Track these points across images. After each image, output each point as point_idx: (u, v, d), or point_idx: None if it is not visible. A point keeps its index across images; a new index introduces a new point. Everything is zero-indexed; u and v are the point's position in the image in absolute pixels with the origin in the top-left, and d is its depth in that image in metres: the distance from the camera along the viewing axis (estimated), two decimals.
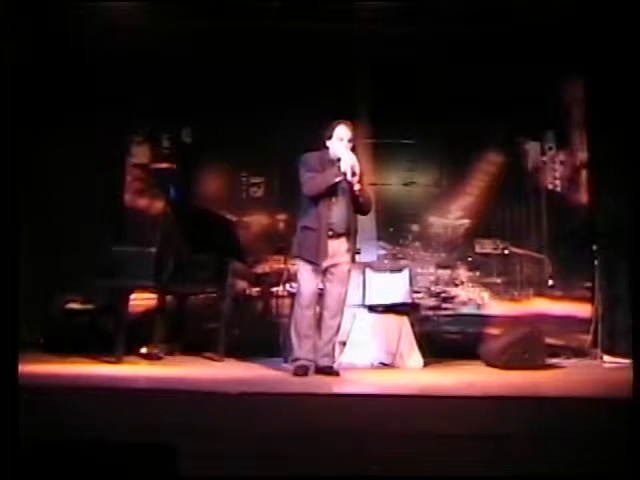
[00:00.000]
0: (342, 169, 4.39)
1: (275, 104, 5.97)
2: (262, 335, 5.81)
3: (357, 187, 4.44)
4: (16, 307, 2.61)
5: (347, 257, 4.55)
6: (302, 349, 4.46)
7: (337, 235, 4.50)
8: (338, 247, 4.52)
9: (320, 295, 4.63)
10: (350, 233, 4.54)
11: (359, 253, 6.10)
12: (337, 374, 4.47)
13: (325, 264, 4.49)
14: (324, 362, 4.49)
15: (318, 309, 4.64)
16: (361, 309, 5.39)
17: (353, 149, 4.53)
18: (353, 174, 4.40)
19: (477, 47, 6.07)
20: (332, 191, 4.47)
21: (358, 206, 4.55)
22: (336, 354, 4.76)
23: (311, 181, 4.50)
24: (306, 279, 4.52)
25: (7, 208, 2.63)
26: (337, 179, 4.42)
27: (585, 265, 6.04)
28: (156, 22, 6.01)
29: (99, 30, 5.91)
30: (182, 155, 6.38)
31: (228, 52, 6.11)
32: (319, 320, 4.59)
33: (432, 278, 6.40)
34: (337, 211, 4.49)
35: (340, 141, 4.49)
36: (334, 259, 4.51)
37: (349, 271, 4.60)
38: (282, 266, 5.99)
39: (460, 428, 2.99)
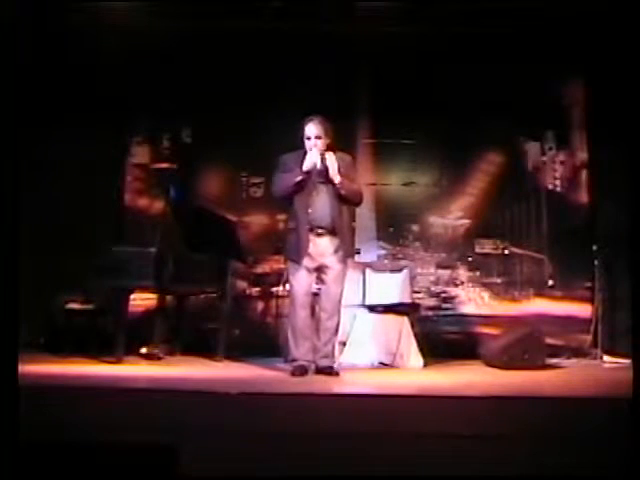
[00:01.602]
0: (304, 168, 4.38)
1: (275, 104, 5.96)
2: (262, 335, 5.81)
3: (337, 179, 4.39)
4: (16, 307, 2.62)
5: (338, 256, 4.48)
6: (299, 349, 4.45)
7: (323, 233, 4.45)
8: (326, 246, 4.47)
9: (317, 295, 4.62)
10: (337, 231, 4.47)
11: (359, 253, 6.12)
12: (337, 374, 4.46)
13: (315, 264, 4.46)
14: (324, 362, 4.49)
15: (316, 309, 4.64)
16: (361, 309, 5.39)
17: (329, 145, 4.49)
18: (321, 171, 4.39)
19: (477, 47, 6.07)
20: (309, 189, 4.44)
21: (342, 200, 4.49)
22: (336, 354, 4.76)
23: (277, 183, 4.53)
24: (297, 280, 4.49)
25: (7, 208, 2.63)
26: (298, 179, 4.40)
27: (585, 265, 6.04)
28: (156, 22, 6.01)
29: (99, 30, 5.92)
30: (182, 155, 6.38)
31: (228, 52, 6.11)
32: (317, 321, 4.58)
33: (432, 278, 6.39)
34: (318, 208, 4.44)
35: (308, 140, 4.47)
36: (323, 258, 4.47)
37: (343, 270, 4.54)
38: (282, 266, 5.97)
39: (460, 428, 2.99)
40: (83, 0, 5.78)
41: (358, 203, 4.72)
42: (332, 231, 4.46)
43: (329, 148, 4.52)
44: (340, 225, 4.48)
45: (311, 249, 4.45)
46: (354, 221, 6.20)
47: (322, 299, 4.57)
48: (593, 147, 6.35)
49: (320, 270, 4.50)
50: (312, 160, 4.39)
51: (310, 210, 4.44)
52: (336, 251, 4.48)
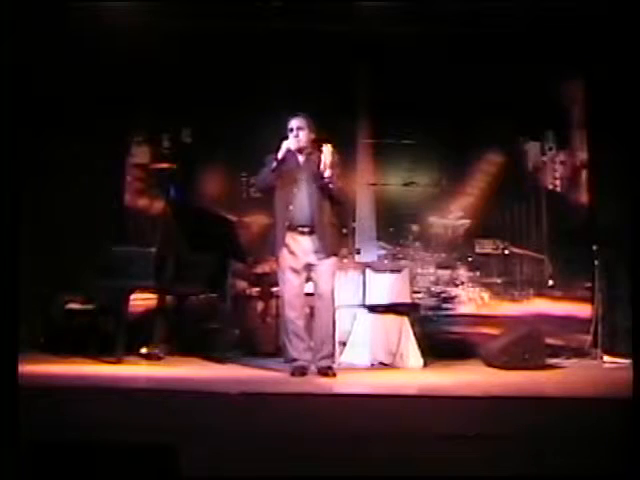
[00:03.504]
0: (279, 154, 4.39)
1: (275, 104, 5.96)
2: (262, 335, 5.81)
3: (327, 173, 4.35)
4: (16, 307, 2.62)
5: (324, 254, 4.42)
6: (295, 349, 4.43)
7: (305, 231, 4.41)
8: (309, 244, 4.42)
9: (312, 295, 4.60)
10: (320, 229, 4.41)
11: (359, 253, 6.12)
12: (333, 375, 4.40)
13: (301, 263, 4.42)
14: (322, 363, 4.44)
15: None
16: (361, 309, 5.39)
17: (314, 140, 4.49)
18: (303, 166, 4.44)
19: (477, 47, 6.07)
20: (290, 186, 4.42)
21: (329, 196, 4.46)
22: (336, 354, 4.74)
23: (258, 176, 4.56)
24: (283, 281, 4.46)
25: (7, 208, 2.63)
26: (273, 165, 4.39)
27: (585, 265, 6.04)
28: (156, 22, 6.01)
29: (99, 30, 5.92)
30: (182, 155, 6.38)
31: (228, 52, 6.11)
32: (311, 321, 4.57)
33: (432, 278, 6.39)
34: (298, 206, 4.41)
35: (290, 132, 4.49)
36: (308, 257, 4.42)
37: (330, 268, 4.47)
38: None
39: (460, 428, 2.99)
40: (83, 0, 5.79)
41: (342, 202, 4.69)
42: (314, 229, 4.42)
43: (314, 145, 4.52)
44: (322, 223, 4.43)
45: (295, 248, 4.42)
46: (354, 221, 6.26)
47: (314, 298, 4.53)
48: (593, 147, 6.35)
49: (308, 269, 4.46)
50: (287, 145, 4.41)
51: (291, 208, 4.41)
52: (319, 249, 4.43)
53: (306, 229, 4.43)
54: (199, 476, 2.54)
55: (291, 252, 4.43)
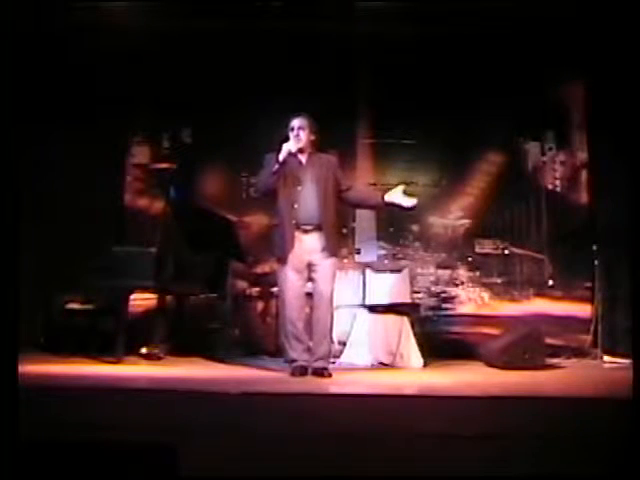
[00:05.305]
0: (280, 157, 4.37)
1: (275, 104, 5.96)
2: (262, 335, 5.81)
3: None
4: (16, 307, 2.61)
5: (326, 254, 4.40)
6: (294, 350, 4.41)
7: (310, 230, 4.39)
8: (313, 243, 4.40)
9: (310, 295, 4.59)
10: (324, 228, 4.40)
11: (359, 253, 6.12)
12: (329, 376, 4.38)
13: (303, 262, 4.40)
14: (317, 364, 4.41)
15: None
16: (361, 309, 5.39)
17: (314, 142, 4.51)
18: (305, 166, 4.46)
19: (477, 47, 6.07)
20: (294, 184, 4.42)
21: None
22: (331, 355, 4.73)
23: (258, 178, 4.56)
24: (284, 280, 4.43)
25: (7, 208, 2.63)
26: (274, 168, 4.37)
27: (585, 265, 6.04)
28: (156, 22, 6.01)
29: (99, 30, 5.92)
30: (182, 155, 6.38)
31: (228, 52, 6.11)
32: (310, 321, 4.56)
33: (432, 278, 6.40)
34: (303, 204, 4.39)
35: (291, 131, 4.48)
36: (311, 256, 4.40)
37: (332, 267, 4.44)
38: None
39: (460, 428, 2.99)
40: (83, 0, 5.79)
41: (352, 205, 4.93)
42: (319, 228, 4.40)
43: (314, 146, 4.53)
44: (327, 222, 4.42)
45: (298, 247, 4.39)
46: (354, 221, 6.26)
47: (314, 298, 4.49)
48: (593, 147, 6.35)
49: (309, 268, 4.43)
50: (287, 148, 4.38)
51: (296, 206, 4.39)
52: (324, 248, 4.40)
53: (310, 227, 4.40)
54: (199, 476, 2.54)
55: (294, 251, 4.42)
